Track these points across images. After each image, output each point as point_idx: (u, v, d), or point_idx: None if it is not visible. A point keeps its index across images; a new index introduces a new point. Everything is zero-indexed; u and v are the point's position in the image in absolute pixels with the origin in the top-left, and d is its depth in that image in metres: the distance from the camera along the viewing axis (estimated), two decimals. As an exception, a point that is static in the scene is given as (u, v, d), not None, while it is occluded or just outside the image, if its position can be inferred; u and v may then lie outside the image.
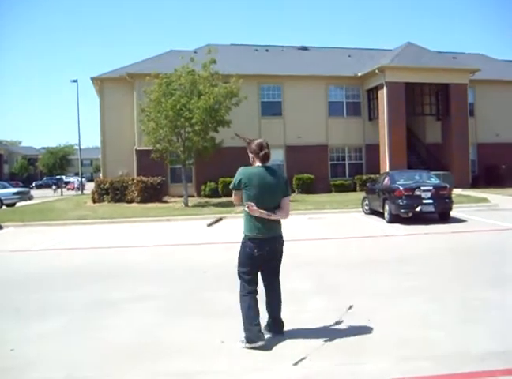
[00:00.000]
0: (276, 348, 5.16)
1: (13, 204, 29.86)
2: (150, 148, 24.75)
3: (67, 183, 64.74)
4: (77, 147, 69.19)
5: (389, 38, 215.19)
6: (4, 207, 28.78)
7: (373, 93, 32.36)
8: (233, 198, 5.48)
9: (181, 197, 25.63)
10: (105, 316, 6.60)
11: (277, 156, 30.26)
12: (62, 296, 7.78)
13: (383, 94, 30.11)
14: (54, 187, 54.55)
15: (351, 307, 5.61)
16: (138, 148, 29.16)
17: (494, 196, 23.58)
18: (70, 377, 4.60)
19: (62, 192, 50.72)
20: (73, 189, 56.18)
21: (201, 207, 23.39)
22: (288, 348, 5.15)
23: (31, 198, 32.66)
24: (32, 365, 4.93)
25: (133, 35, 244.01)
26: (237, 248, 5.46)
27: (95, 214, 21.20)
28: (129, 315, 6.61)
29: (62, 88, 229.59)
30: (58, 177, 76.36)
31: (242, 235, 5.34)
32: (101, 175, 32.35)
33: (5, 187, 31.66)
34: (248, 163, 5.45)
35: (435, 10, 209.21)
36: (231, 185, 5.38)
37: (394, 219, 16.01)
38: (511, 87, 34.78)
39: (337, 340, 5.28)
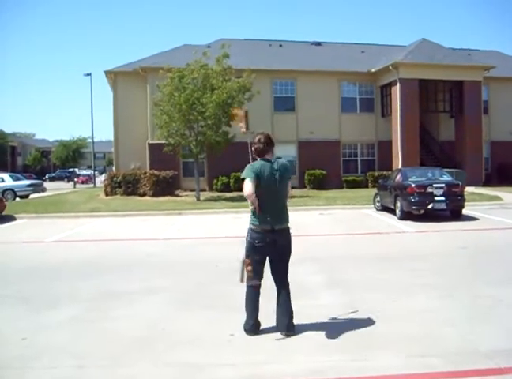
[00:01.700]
0: (285, 342, 5.19)
1: (26, 196, 30.06)
2: (163, 141, 24.77)
3: (77, 176, 64.90)
4: (89, 140, 69.60)
5: (403, 34, 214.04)
6: (17, 198, 28.98)
7: (386, 89, 32.21)
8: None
9: (193, 191, 25.70)
10: (116, 307, 6.66)
11: (290, 152, 30.29)
12: (73, 287, 7.86)
13: (397, 90, 29.94)
14: (75, 179, 55.67)
15: (354, 312, 5.70)
16: (151, 142, 29.23)
17: (507, 194, 23.41)
18: (81, 367, 4.66)
19: (75, 184, 51.11)
20: (84, 182, 55.99)
21: (213, 201, 23.46)
22: (297, 342, 5.17)
23: (44, 190, 32.85)
24: (43, 354, 5.00)
25: (147, 29, 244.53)
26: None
27: (107, 207, 21.32)
28: (139, 306, 6.66)
29: (75, 81, 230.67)
30: (70, 169, 76.89)
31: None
32: (114, 168, 32.51)
33: (18, 179, 31.90)
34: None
35: (450, 7, 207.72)
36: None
37: (406, 215, 15.97)
38: (526, 85, 34.44)
39: (347, 335, 5.30)
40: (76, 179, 59.38)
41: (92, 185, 49.03)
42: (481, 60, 33.07)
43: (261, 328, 5.50)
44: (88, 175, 64.93)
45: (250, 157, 5.55)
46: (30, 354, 4.98)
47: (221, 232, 14.35)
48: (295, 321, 5.52)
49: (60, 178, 68.94)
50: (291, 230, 5.56)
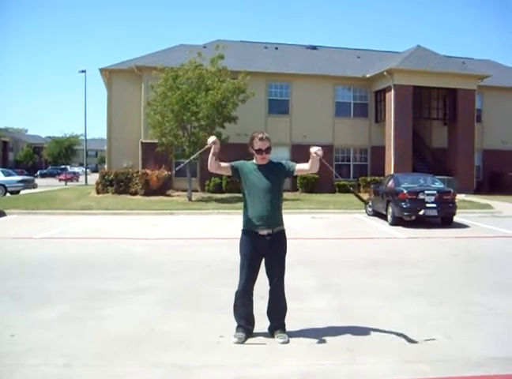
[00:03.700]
0: (276, 345, 5.17)
1: (17, 192, 29.96)
2: (156, 141, 24.73)
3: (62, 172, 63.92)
4: (82, 137, 69.18)
5: (398, 41, 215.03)
6: (8, 194, 28.86)
7: (380, 95, 32.29)
8: None
9: (185, 191, 25.65)
10: (105, 306, 6.62)
11: (283, 154, 30.29)
12: (62, 285, 7.82)
13: (391, 96, 30.03)
14: (60, 176, 55.35)
15: None
16: (144, 141, 29.16)
17: (497, 203, 23.49)
18: (69, 365, 4.62)
19: (66, 182, 50.95)
20: (69, 180, 54.62)
21: (204, 202, 23.43)
22: (287, 345, 5.16)
23: (35, 186, 32.74)
24: (32, 351, 4.95)
25: (144, 28, 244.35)
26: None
27: (98, 205, 21.24)
28: (129, 306, 6.63)
29: (70, 78, 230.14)
30: (62, 166, 76.54)
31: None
32: (106, 166, 32.40)
33: (9, 175, 31.77)
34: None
35: (446, 15, 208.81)
36: None
37: (397, 221, 16.00)
38: (520, 94, 34.63)
39: (337, 340, 5.29)
40: (60, 176, 58.36)
41: (79, 183, 48.93)
42: (475, 69, 33.22)
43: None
44: (74, 172, 64.18)
45: None
46: (19, 352, 4.93)
47: (213, 233, 14.33)
48: (286, 326, 5.50)
49: (52, 175, 68.43)
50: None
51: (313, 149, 5.11)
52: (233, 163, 5.41)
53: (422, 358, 4.78)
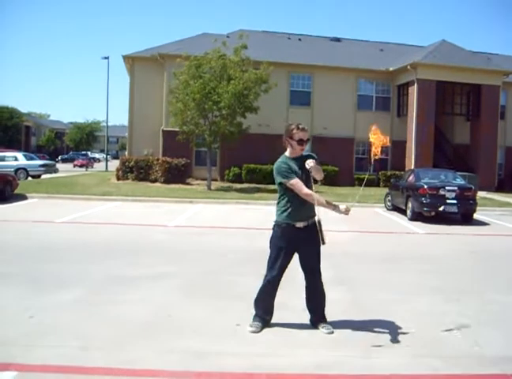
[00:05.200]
0: (291, 336, 5.20)
1: (38, 176, 30.31)
2: (177, 129, 24.78)
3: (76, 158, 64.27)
4: (104, 123, 69.72)
5: (423, 34, 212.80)
6: (29, 178, 29.20)
7: (403, 89, 31.98)
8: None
9: (204, 179, 25.71)
10: (122, 291, 6.69)
11: (303, 146, 30.11)
12: (81, 269, 7.91)
13: (414, 91, 29.71)
14: (74, 162, 56.02)
15: None
16: (165, 129, 29.23)
17: (519, 201, 23.23)
18: (84, 348, 4.68)
19: (87, 168, 51.35)
20: (83, 166, 54.77)
21: (223, 191, 23.44)
22: (303, 337, 5.18)
23: (56, 171, 33.11)
24: (49, 333, 5.04)
25: (168, 16, 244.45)
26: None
27: (118, 191, 21.38)
28: (146, 292, 6.68)
29: (92, 64, 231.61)
30: (83, 152, 77.27)
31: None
32: (126, 153, 32.59)
33: (32, 159, 32.13)
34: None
35: (471, 10, 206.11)
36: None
37: (416, 216, 15.88)
38: (545, 91, 34.08)
39: (352, 332, 5.30)
40: (75, 162, 58.57)
41: (95, 169, 49.24)
42: (501, 64, 32.71)
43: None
44: (88, 158, 64.35)
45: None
46: (36, 333, 5.02)
47: (231, 222, 14.32)
48: (302, 317, 5.53)
49: (72, 160, 69.20)
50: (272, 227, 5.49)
51: (307, 163, 5.10)
52: (292, 175, 5.24)
53: (436, 354, 4.78)
